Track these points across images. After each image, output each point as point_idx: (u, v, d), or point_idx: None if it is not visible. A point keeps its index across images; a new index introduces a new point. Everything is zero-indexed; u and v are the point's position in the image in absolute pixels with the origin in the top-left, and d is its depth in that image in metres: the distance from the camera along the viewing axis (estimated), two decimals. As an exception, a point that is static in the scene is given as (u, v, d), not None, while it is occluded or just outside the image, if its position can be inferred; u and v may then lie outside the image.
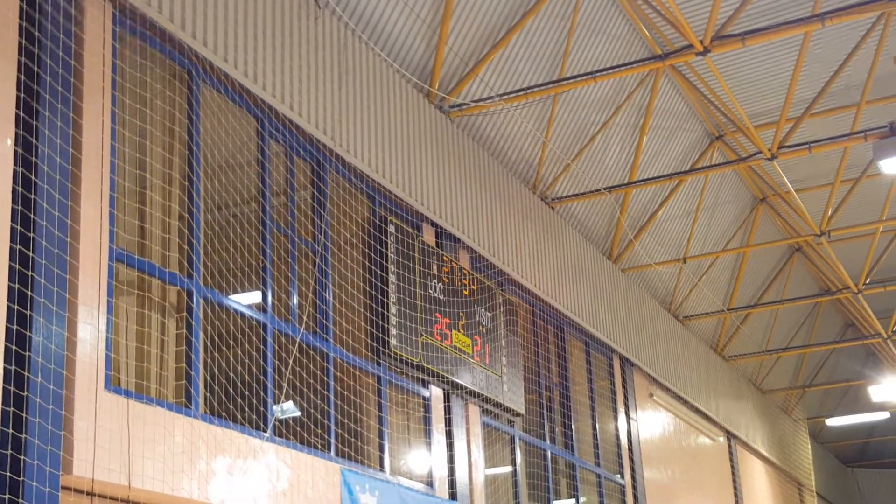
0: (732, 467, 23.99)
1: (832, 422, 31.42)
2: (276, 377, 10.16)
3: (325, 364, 10.96)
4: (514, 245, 15.08)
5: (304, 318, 10.74)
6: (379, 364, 11.82)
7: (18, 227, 7.73)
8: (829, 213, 19.56)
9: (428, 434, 12.61)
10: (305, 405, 10.58)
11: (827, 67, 17.57)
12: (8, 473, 7.33)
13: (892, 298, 24.79)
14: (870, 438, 35.21)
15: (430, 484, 12.41)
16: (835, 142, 16.80)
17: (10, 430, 7.40)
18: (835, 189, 19.17)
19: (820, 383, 29.73)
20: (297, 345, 10.43)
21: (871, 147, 15.41)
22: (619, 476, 17.81)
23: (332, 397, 10.88)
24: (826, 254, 21.79)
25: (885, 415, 30.20)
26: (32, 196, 7.84)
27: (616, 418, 18.17)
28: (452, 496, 12.67)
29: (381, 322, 11.84)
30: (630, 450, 18.32)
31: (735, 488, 23.86)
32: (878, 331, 24.89)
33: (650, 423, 19.58)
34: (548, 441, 15.67)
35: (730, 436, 24.05)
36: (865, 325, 25.66)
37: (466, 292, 13.61)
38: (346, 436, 11.07)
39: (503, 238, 14.79)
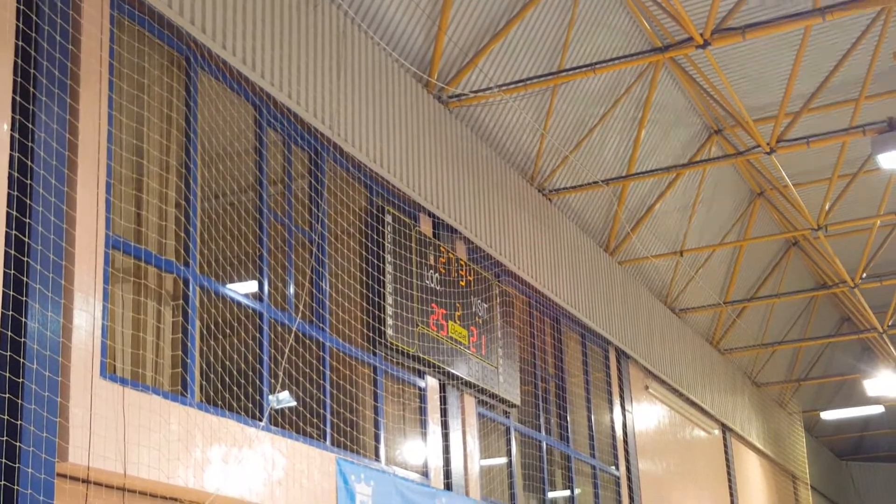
0: (727, 460, 24.02)
1: (827, 415, 31.46)
2: (273, 366, 10.14)
3: (322, 353, 10.95)
4: (511, 236, 15.05)
5: (301, 307, 10.72)
6: (375, 354, 11.81)
7: (14, 213, 7.70)
8: (827, 207, 19.55)
9: (423, 424, 12.60)
10: (301, 394, 10.57)
11: (826, 62, 17.54)
12: (3, 460, 7.31)
13: (889, 293, 24.80)
14: (864, 432, 35.24)
15: (425, 474, 12.40)
16: (833, 136, 16.78)
17: (6, 417, 7.38)
18: (832, 184, 19.15)
19: (815, 377, 29.75)
20: (293, 334, 10.41)
21: (870, 142, 15.38)
22: (614, 468, 17.82)
23: (328, 387, 10.87)
24: (823, 248, 21.78)
25: (879, 409, 30.24)
26: (29, 182, 7.81)
27: (611, 410, 18.17)
28: (448, 486, 12.67)
29: (377, 312, 11.83)
30: (625, 442, 18.33)
31: (729, 481, 23.90)
32: (874, 325, 24.91)
33: (645, 415, 19.59)
34: (543, 432, 15.67)
35: (725, 428, 24.08)
36: (861, 319, 25.67)
37: (463, 283, 13.59)
38: (341, 425, 11.06)
39: (500, 229, 14.76)
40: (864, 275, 22.62)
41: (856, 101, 17.45)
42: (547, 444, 15.71)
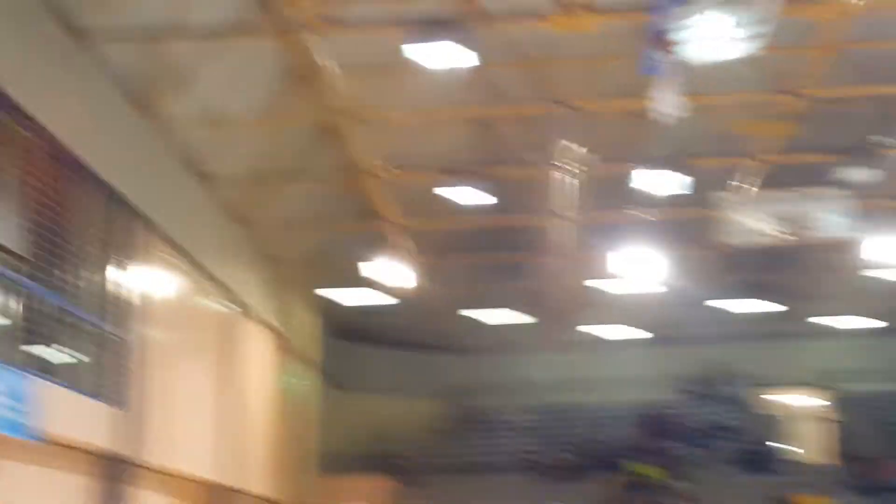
0: (236, 334, 24.35)
1: (340, 298, 32.71)
2: None
3: None
4: (29, 73, 13.93)
5: None
6: None
7: None
8: (363, 95, 19.98)
9: None
10: None
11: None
12: None
13: (413, 187, 26.11)
14: (376, 318, 37.06)
15: None
16: (376, 24, 17.07)
17: None
18: (372, 73, 19.57)
19: (334, 261, 30.74)
20: None
21: (406, 34, 15.78)
22: (121, 331, 17.34)
23: None
24: (356, 136, 22.34)
25: (391, 299, 31.87)
26: None
27: (123, 272, 17.63)
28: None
29: None
30: (134, 306, 17.90)
31: (237, 355, 24.27)
32: (394, 217, 26.14)
33: (159, 281, 19.25)
34: (47, 288, 14.85)
35: (238, 303, 24.33)
36: (385, 210, 26.72)
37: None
38: None
39: (17, 63, 13.61)
40: (391, 166, 23.56)
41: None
42: (50, 301, 14.91)
